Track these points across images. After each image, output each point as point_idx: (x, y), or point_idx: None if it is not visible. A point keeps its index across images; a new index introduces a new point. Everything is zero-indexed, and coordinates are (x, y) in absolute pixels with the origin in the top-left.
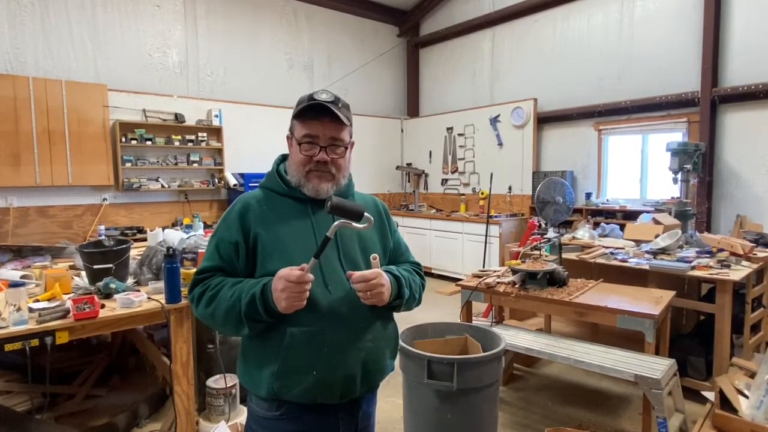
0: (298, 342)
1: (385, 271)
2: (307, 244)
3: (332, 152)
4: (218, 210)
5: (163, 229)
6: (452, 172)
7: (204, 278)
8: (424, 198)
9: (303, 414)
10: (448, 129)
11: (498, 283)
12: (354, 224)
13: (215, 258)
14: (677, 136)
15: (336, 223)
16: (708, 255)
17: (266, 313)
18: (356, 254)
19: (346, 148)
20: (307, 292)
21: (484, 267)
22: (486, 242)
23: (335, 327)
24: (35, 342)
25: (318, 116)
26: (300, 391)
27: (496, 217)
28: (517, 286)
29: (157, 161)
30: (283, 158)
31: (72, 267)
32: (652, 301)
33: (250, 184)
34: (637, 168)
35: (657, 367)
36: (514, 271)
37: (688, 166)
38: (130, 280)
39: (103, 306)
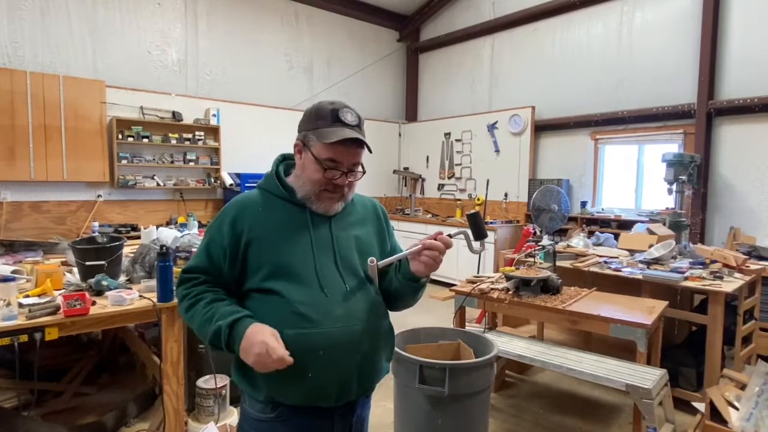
0: (294, 344)
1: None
2: (304, 250)
3: (351, 176)
4: (213, 209)
5: (158, 227)
6: (449, 178)
7: (189, 278)
8: (420, 203)
9: (297, 417)
10: (445, 134)
11: (492, 289)
12: (473, 240)
13: (204, 259)
14: (673, 148)
15: (458, 231)
16: (701, 266)
17: (228, 349)
18: (353, 257)
19: (363, 170)
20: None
21: (478, 273)
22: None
23: (331, 330)
24: (24, 338)
25: (344, 142)
26: (295, 394)
27: (491, 223)
28: (510, 292)
29: (154, 159)
30: (283, 158)
31: (64, 263)
32: (644, 311)
33: (247, 185)
34: (633, 178)
35: (648, 376)
36: (508, 278)
37: (683, 178)
38: (123, 278)
39: (94, 303)
